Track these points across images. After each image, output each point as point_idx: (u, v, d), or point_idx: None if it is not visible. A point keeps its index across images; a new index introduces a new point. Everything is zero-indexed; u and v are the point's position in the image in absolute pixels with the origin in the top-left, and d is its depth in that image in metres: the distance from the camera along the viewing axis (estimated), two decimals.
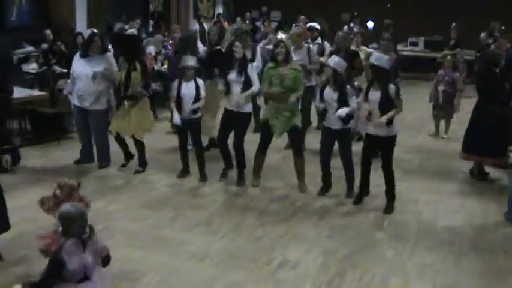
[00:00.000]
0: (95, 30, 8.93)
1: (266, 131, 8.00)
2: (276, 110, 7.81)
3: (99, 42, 8.54)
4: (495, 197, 8.02)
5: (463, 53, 15.47)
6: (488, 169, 8.81)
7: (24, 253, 5.93)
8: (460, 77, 10.81)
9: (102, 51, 8.55)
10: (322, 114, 7.74)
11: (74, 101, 8.71)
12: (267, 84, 7.82)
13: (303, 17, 13.85)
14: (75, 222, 4.03)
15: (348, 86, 7.40)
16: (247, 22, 18.09)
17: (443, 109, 10.88)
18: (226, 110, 8.13)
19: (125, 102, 8.32)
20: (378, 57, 7.25)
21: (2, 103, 8.37)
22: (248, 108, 8.12)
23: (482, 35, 16.02)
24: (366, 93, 7.21)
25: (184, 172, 8.50)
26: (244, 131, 8.16)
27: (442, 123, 11.13)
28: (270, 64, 7.92)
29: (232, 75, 7.90)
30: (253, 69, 8.12)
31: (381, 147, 7.38)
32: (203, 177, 8.36)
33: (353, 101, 7.34)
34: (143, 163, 8.71)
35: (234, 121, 8.06)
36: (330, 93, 7.39)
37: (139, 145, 8.64)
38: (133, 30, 13.36)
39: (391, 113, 7.04)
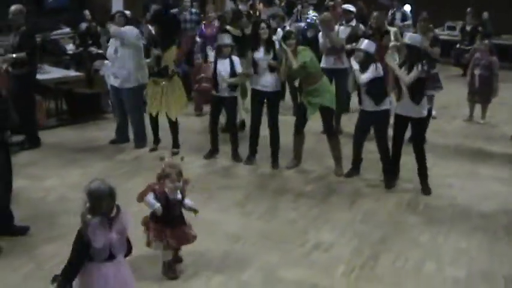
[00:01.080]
0: (121, 10, 9.07)
1: (299, 111, 8.17)
2: (304, 91, 7.91)
3: (120, 18, 8.69)
4: None
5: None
6: None
7: (58, 231, 6.03)
8: (497, 61, 10.66)
9: (124, 26, 8.64)
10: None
11: (111, 81, 8.84)
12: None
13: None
14: (104, 199, 4.00)
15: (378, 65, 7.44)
16: (282, 4, 17.97)
17: (480, 93, 10.75)
18: (254, 90, 8.20)
19: (158, 79, 8.37)
20: (411, 36, 7.38)
21: (26, 78, 8.51)
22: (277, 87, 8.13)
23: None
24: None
25: (213, 152, 8.54)
26: (276, 109, 8.18)
27: (477, 108, 10.98)
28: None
29: (259, 54, 7.96)
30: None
31: (412, 128, 7.40)
32: (236, 157, 8.41)
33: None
34: (177, 144, 8.76)
35: (265, 101, 8.13)
36: (362, 75, 7.38)
37: (173, 126, 8.66)
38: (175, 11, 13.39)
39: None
